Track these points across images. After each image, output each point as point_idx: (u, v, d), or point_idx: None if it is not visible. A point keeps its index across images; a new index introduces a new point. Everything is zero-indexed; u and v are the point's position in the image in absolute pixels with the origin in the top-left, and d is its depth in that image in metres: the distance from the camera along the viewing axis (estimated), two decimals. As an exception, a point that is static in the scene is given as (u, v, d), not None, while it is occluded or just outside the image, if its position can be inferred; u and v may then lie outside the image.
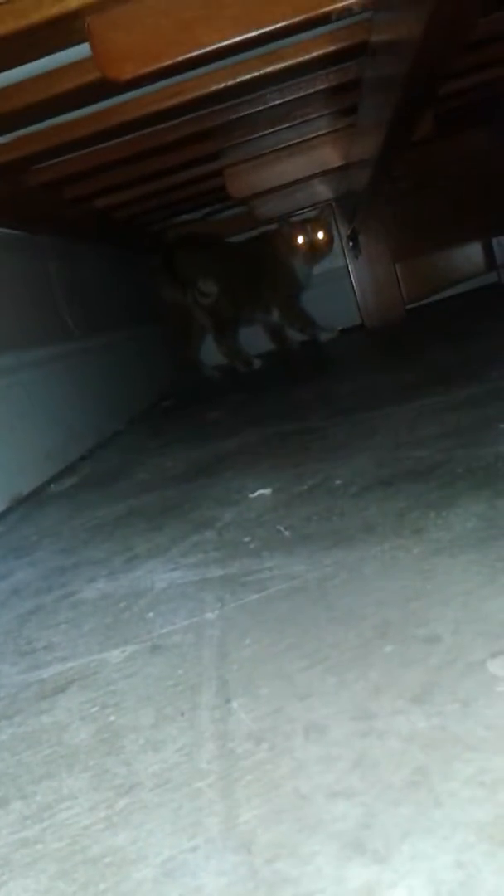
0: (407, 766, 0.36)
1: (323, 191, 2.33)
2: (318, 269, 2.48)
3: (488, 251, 2.45)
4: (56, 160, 1.39)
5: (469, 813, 0.32)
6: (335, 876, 0.31)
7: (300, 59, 1.23)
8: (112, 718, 0.48)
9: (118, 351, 1.94)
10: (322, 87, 1.49)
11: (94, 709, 0.50)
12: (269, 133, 1.73)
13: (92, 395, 1.66)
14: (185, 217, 2.46)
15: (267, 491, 0.90)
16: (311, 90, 1.50)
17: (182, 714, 0.46)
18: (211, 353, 2.48)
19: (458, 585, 0.52)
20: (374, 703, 0.42)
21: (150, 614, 0.62)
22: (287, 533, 0.74)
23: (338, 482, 0.86)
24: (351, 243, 2.43)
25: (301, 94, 1.50)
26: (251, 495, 0.90)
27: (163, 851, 0.35)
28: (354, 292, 2.50)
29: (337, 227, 2.46)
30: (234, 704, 0.46)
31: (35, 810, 0.41)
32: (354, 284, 2.47)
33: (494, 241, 2.43)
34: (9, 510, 1.15)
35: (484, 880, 0.29)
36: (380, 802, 0.34)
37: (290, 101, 1.51)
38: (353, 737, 0.40)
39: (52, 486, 1.29)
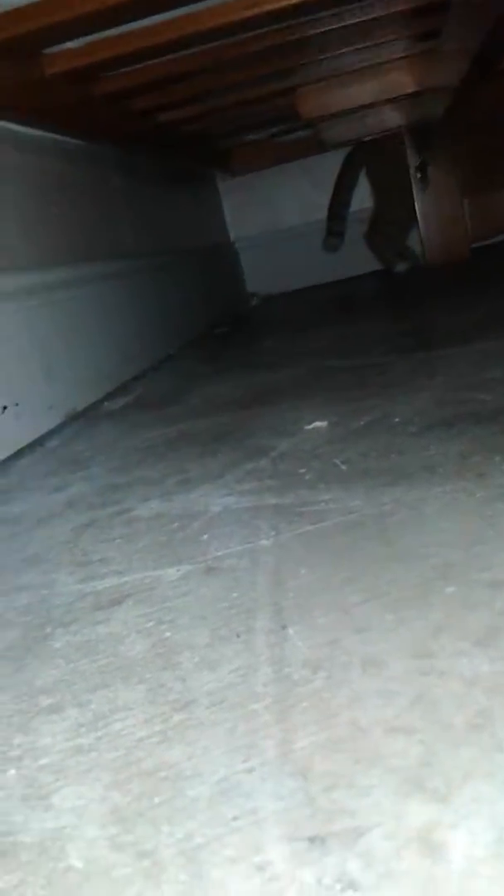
0: (469, 709, 0.36)
1: (394, 117, 2.24)
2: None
3: None
4: (126, 69, 1.35)
5: (535, 760, 0.32)
6: (394, 811, 0.31)
7: (388, -27, 1.17)
8: (167, 634, 0.48)
9: (176, 273, 1.92)
10: (405, 7, 1.42)
11: (150, 623, 0.50)
12: (345, 53, 1.66)
13: (148, 317, 1.64)
14: (251, 136, 2.40)
15: (323, 423, 0.89)
16: (393, 10, 1.43)
17: (238, 636, 0.46)
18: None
19: (524, 532, 0.51)
20: (434, 643, 0.42)
21: (205, 537, 0.62)
22: (344, 467, 0.73)
23: (396, 420, 0.84)
24: (419, 174, 2.35)
25: (382, 13, 1.43)
26: (307, 427, 0.89)
27: (218, 770, 0.35)
28: (417, 226, 2.43)
29: (406, 157, 2.38)
30: (290, 631, 0.46)
31: (90, 719, 0.41)
32: (419, 218, 2.40)
33: None
34: (63, 425, 1.16)
35: (551, 829, 0.28)
36: (440, 742, 0.34)
37: (370, 20, 1.45)
38: (412, 674, 0.39)
39: (106, 404, 1.29)
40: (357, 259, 2.55)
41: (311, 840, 0.30)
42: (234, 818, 0.32)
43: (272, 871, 0.29)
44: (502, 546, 0.50)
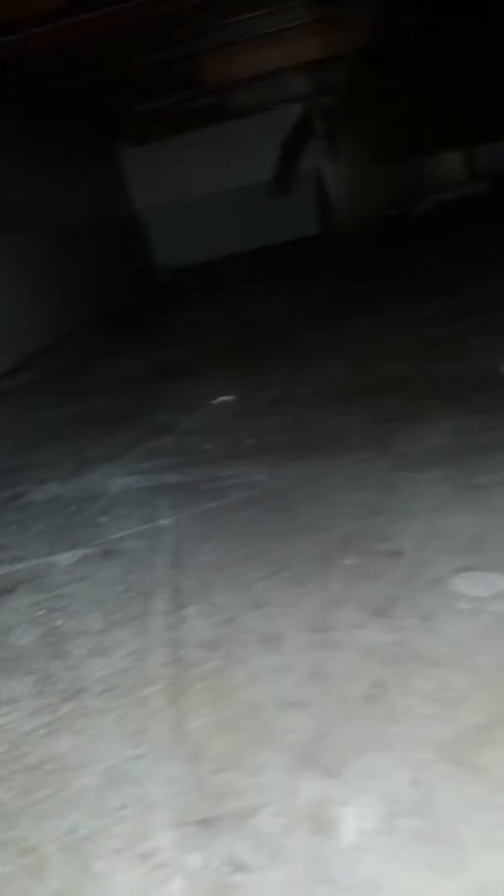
0: (364, 680, 0.35)
1: (302, 85, 2.23)
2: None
3: (470, 160, 2.38)
4: (16, 35, 1.29)
5: (427, 730, 0.31)
6: (284, 789, 0.30)
7: None
8: (60, 622, 0.46)
9: (76, 246, 1.86)
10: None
11: (41, 612, 0.48)
12: (248, 19, 1.63)
13: (47, 292, 1.59)
14: (152, 105, 2.35)
15: (229, 398, 0.88)
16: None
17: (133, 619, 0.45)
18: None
19: (424, 500, 0.51)
20: (332, 616, 0.41)
21: (103, 519, 0.60)
22: (248, 442, 0.72)
23: (304, 392, 0.84)
24: (328, 143, 2.34)
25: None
26: (212, 402, 0.88)
27: (106, 759, 0.34)
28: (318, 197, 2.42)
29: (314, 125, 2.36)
30: (188, 611, 0.44)
31: (-25, 714, 0.39)
32: (329, 187, 2.39)
33: (481, 150, 2.35)
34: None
35: (440, 800, 0.28)
36: (334, 715, 0.33)
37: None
38: (309, 648, 0.39)
39: (3, 381, 1.24)
40: (271, 228, 2.53)
41: (200, 824, 0.29)
42: (122, 807, 0.31)
43: (158, 859, 0.28)
44: (403, 515, 0.50)
